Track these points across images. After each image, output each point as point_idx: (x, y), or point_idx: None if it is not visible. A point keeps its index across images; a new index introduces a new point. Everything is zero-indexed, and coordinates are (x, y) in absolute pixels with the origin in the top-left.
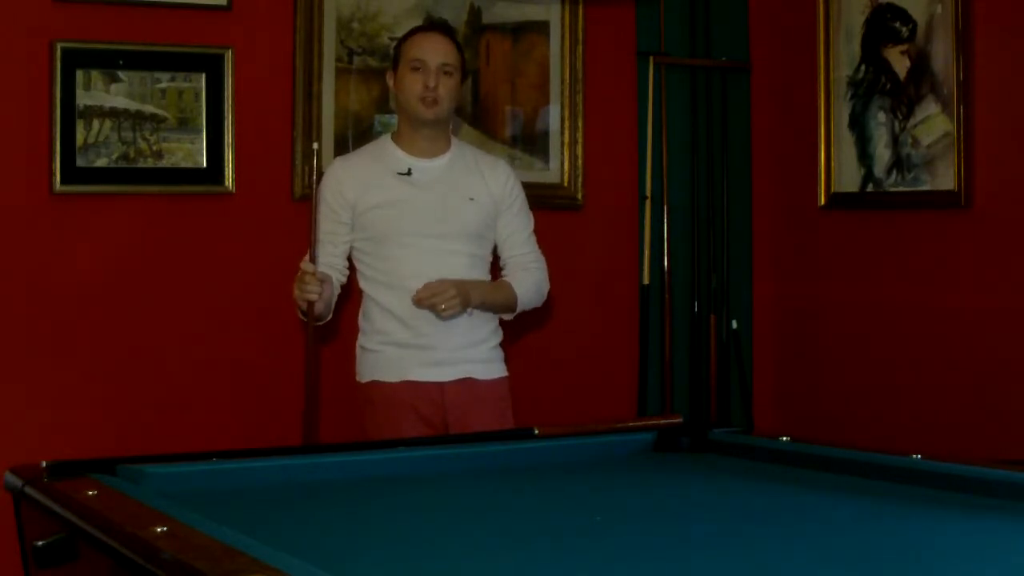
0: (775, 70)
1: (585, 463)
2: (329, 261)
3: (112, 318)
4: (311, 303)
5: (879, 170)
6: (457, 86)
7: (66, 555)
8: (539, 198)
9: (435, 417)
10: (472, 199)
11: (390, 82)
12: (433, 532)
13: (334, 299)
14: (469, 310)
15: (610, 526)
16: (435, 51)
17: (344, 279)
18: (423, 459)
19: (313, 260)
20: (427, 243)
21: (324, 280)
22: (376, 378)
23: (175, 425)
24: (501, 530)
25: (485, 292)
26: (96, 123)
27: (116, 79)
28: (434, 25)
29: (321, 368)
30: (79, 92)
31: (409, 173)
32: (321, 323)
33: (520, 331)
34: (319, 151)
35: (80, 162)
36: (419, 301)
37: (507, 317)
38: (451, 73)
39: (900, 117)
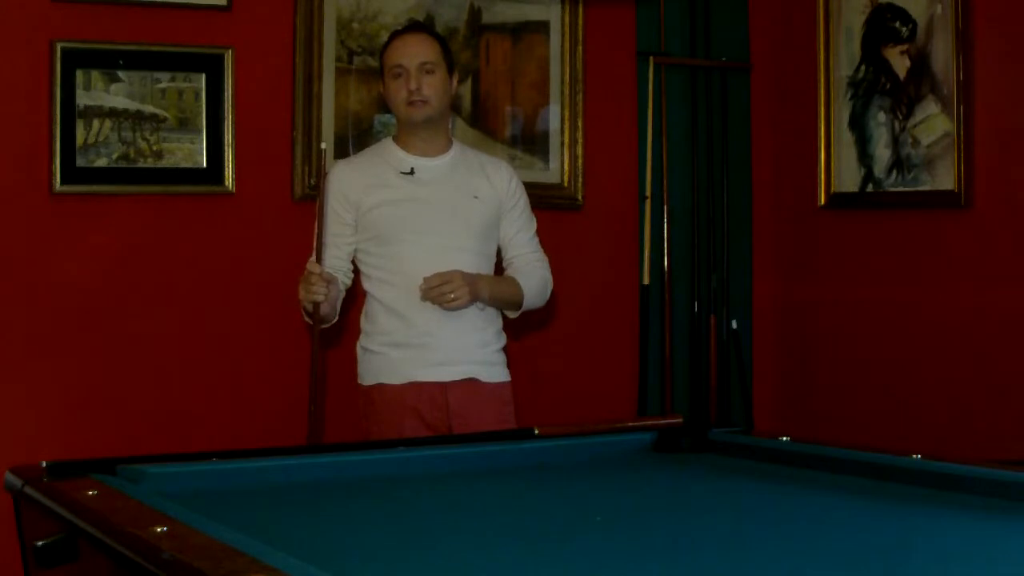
0: (775, 70)
1: (585, 463)
2: (333, 264)
3: (112, 318)
4: (317, 304)
5: (879, 170)
6: (443, 81)
7: (66, 555)
8: (539, 198)
9: (439, 422)
10: (476, 197)
11: (383, 91)
12: (433, 532)
13: (339, 301)
14: (480, 305)
15: (610, 526)
16: (412, 53)
17: (349, 282)
18: (423, 459)
19: (319, 260)
20: (432, 240)
21: (330, 281)
22: (380, 381)
23: (175, 425)
24: (501, 530)
25: (493, 285)
26: (96, 123)
27: (116, 79)
28: (409, 26)
29: (326, 369)
30: (79, 92)
31: (412, 172)
32: (326, 325)
33: (520, 331)
34: (326, 151)
35: (80, 162)
36: (427, 291)
37: (512, 315)
38: (432, 71)
39: (900, 117)
